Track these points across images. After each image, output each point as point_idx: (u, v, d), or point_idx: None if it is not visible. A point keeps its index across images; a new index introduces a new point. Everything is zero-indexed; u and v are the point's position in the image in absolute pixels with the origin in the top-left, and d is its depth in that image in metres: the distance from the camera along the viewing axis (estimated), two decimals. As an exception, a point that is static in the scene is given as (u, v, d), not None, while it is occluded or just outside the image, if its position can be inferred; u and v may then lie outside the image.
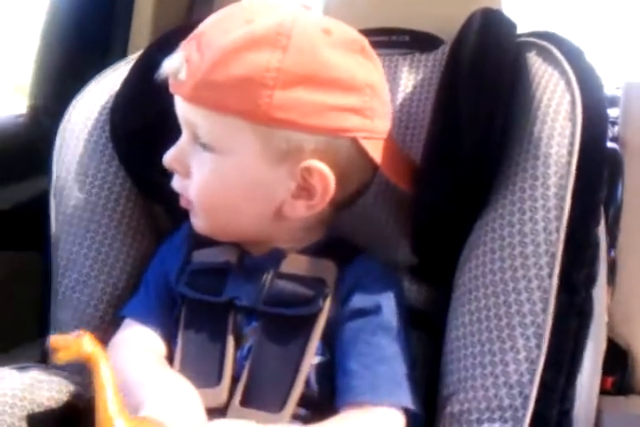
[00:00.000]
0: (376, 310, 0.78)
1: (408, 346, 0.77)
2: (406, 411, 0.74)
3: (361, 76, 0.77)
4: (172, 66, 0.77)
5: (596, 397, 0.81)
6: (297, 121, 0.73)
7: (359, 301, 0.78)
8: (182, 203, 0.82)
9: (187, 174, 0.79)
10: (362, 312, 0.78)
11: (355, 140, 0.77)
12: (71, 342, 0.66)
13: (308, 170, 0.76)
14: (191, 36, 0.78)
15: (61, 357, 0.66)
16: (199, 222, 0.82)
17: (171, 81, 0.78)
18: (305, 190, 0.77)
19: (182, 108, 0.78)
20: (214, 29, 0.76)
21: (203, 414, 0.71)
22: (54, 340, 0.67)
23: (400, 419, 0.73)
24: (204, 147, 0.76)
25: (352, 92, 0.76)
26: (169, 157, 0.79)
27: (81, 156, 0.94)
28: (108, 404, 0.64)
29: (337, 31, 0.77)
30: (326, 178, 0.76)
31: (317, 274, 0.79)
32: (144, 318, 0.85)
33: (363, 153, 0.78)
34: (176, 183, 0.81)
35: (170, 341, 0.84)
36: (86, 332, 0.68)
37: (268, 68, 0.72)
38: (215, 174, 0.76)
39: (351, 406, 0.74)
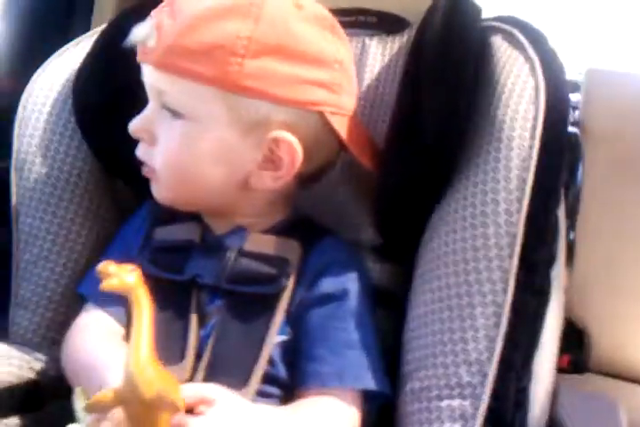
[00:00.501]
0: (343, 295, 0.79)
1: (374, 329, 0.79)
2: (370, 391, 0.75)
3: (330, 51, 0.78)
4: (141, 33, 0.77)
5: (552, 375, 0.83)
6: (266, 91, 0.74)
7: (326, 286, 0.79)
8: (145, 171, 0.82)
9: (152, 142, 0.78)
10: (329, 297, 0.78)
11: (322, 115, 0.78)
12: (121, 272, 0.67)
13: (276, 141, 0.76)
14: (163, 3, 0.77)
15: (107, 285, 0.66)
16: (161, 191, 0.82)
17: (139, 49, 0.78)
18: (271, 162, 0.78)
19: (151, 75, 0.77)
20: None
21: None
22: (105, 266, 0.68)
23: (359, 401, 0.75)
24: (173, 113, 0.76)
25: (321, 67, 0.77)
26: (135, 125, 0.79)
27: (43, 130, 0.93)
28: (142, 346, 0.64)
29: (308, 7, 0.78)
30: (294, 149, 0.77)
31: (281, 253, 0.80)
32: (102, 299, 0.84)
33: (329, 128, 0.79)
34: (141, 151, 0.81)
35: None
36: (138, 268, 0.69)
37: (239, 37, 0.73)
38: (182, 140, 0.76)
39: (317, 390, 0.75)
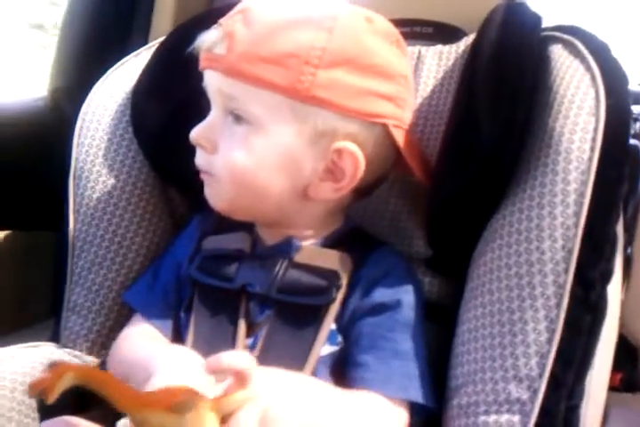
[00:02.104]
0: (396, 305, 0.78)
1: (424, 342, 0.78)
2: (415, 404, 0.75)
3: (397, 66, 0.79)
4: (209, 40, 0.77)
5: (604, 393, 0.81)
6: (336, 102, 0.75)
7: (380, 295, 0.79)
8: (202, 175, 0.82)
9: (213, 150, 0.78)
10: (382, 307, 0.78)
11: (385, 127, 0.78)
12: (52, 381, 0.62)
13: (339, 152, 0.77)
14: (235, 11, 0.78)
15: (51, 398, 0.62)
16: (218, 197, 0.82)
17: (205, 55, 0.78)
18: (332, 173, 0.78)
19: (218, 82, 0.77)
20: (262, 7, 0.77)
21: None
22: (34, 387, 0.63)
23: (405, 412, 0.74)
24: (238, 120, 0.76)
25: (389, 80, 0.77)
26: (197, 133, 0.79)
27: (100, 139, 0.95)
28: (128, 403, 0.62)
29: (377, 21, 0.79)
30: (357, 161, 0.77)
31: (332, 266, 0.80)
32: (149, 311, 0.86)
33: (390, 140, 0.79)
34: (201, 159, 0.81)
35: (175, 329, 0.85)
36: (56, 364, 0.64)
37: (314, 47, 0.73)
38: (246, 148, 0.76)
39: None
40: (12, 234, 1.22)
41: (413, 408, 0.76)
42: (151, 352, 0.76)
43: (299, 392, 0.68)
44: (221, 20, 0.78)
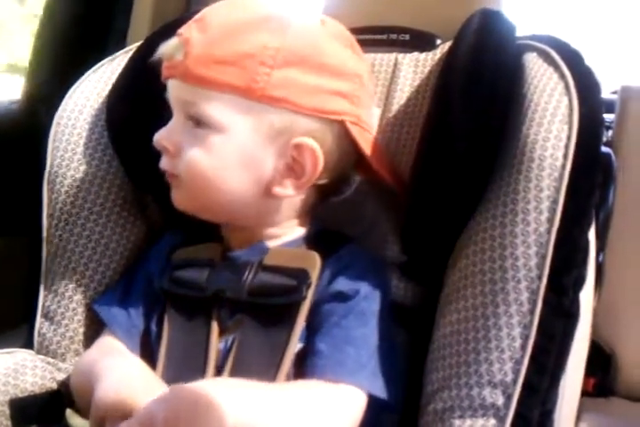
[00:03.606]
0: (353, 294, 0.79)
1: (383, 334, 0.78)
2: (373, 397, 0.75)
3: (351, 65, 0.81)
4: (168, 48, 0.79)
5: (577, 398, 0.81)
6: (291, 100, 0.76)
7: (340, 284, 0.80)
8: (168, 177, 0.83)
9: (177, 153, 0.79)
10: (339, 296, 0.79)
11: (342, 125, 0.80)
12: None
13: (299, 147, 0.78)
14: (191, 20, 0.79)
15: None
16: (183, 198, 0.83)
17: (165, 65, 0.80)
18: (292, 169, 0.79)
19: (176, 89, 0.79)
20: (216, 13, 0.79)
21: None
22: None
23: (359, 400, 0.74)
24: (198, 124, 0.78)
25: (343, 78, 0.79)
26: (159, 137, 0.80)
27: (76, 143, 0.94)
28: None
29: (331, 24, 0.82)
30: (316, 155, 0.78)
31: (300, 265, 0.80)
32: (115, 324, 0.86)
33: (349, 139, 0.81)
34: (164, 163, 0.82)
35: (146, 342, 0.85)
36: None
37: (268, 47, 0.75)
38: (207, 150, 0.77)
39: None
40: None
41: (376, 400, 0.75)
42: (97, 366, 0.78)
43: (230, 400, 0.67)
44: (180, 30, 0.79)
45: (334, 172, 0.83)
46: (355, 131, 0.81)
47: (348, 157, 0.84)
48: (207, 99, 0.76)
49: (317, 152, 0.78)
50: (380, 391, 0.75)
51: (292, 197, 0.81)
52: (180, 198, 0.83)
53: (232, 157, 0.78)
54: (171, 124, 0.81)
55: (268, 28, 0.76)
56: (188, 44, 0.76)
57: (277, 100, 0.76)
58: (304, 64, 0.76)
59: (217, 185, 0.79)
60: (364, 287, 0.80)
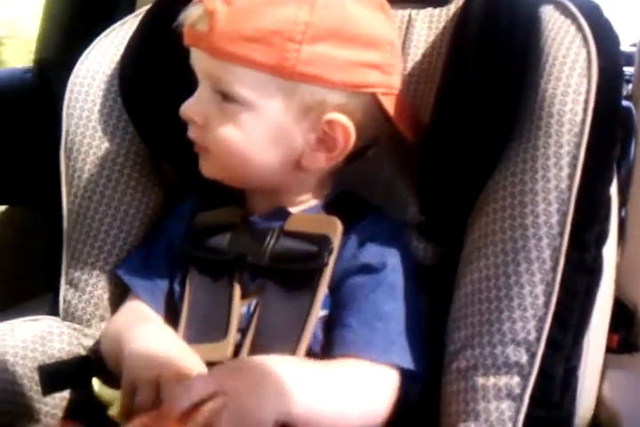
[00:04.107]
0: (381, 267, 0.79)
1: (411, 305, 0.78)
2: (404, 369, 0.75)
3: (382, 33, 0.78)
4: (192, 16, 0.76)
5: (602, 355, 0.81)
6: (322, 76, 0.74)
7: (366, 256, 0.79)
8: (196, 148, 0.82)
9: (205, 125, 0.78)
10: (367, 268, 0.79)
11: (374, 95, 0.78)
12: None
13: (330, 123, 0.77)
14: None
15: None
16: (213, 169, 0.82)
17: (188, 32, 0.77)
18: (324, 143, 0.78)
19: (203, 61, 0.77)
20: None
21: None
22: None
23: (392, 377, 0.74)
24: (226, 98, 0.76)
25: (375, 49, 0.77)
26: (187, 109, 0.79)
27: (90, 110, 0.94)
28: None
29: None
30: (348, 130, 0.77)
31: (322, 231, 0.80)
32: (139, 287, 0.87)
33: (378, 107, 0.79)
34: (193, 133, 0.81)
35: (170, 302, 0.86)
36: None
37: (297, 22, 0.72)
38: (236, 125, 0.76)
39: (346, 358, 0.75)
40: (7, 210, 1.22)
41: (405, 374, 0.76)
42: (127, 332, 0.79)
43: (275, 379, 0.67)
44: None
45: (364, 140, 0.82)
46: (385, 101, 0.79)
47: (378, 124, 0.82)
48: (235, 75, 0.75)
49: (349, 127, 0.77)
50: (411, 364, 0.75)
51: (323, 169, 0.81)
52: (208, 168, 0.82)
53: (262, 133, 0.77)
54: (197, 94, 0.79)
55: (296, 0, 0.73)
56: (213, 17, 0.73)
57: (308, 76, 0.74)
58: (334, 37, 0.74)
59: (247, 159, 0.78)
60: (391, 259, 0.80)
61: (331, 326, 0.78)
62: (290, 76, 0.74)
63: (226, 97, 0.76)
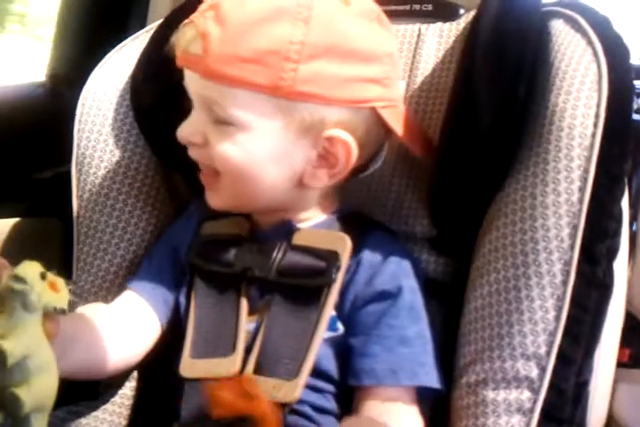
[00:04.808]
0: (398, 291, 0.78)
1: (429, 323, 0.78)
2: (423, 389, 0.75)
3: (380, 45, 0.77)
4: (184, 38, 0.75)
5: (612, 369, 0.81)
6: (321, 94, 0.73)
7: (382, 283, 0.78)
8: (204, 176, 0.81)
9: (205, 144, 0.77)
10: (384, 295, 0.78)
11: (374, 109, 0.77)
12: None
13: (331, 140, 0.76)
14: (204, 7, 0.75)
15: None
16: (221, 197, 0.81)
17: (182, 55, 0.76)
18: (325, 160, 0.77)
19: (196, 84, 0.76)
20: (232, 1, 0.73)
21: None
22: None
23: (419, 398, 0.75)
24: (222, 122, 0.75)
25: (373, 62, 0.76)
26: (183, 131, 0.78)
27: (101, 124, 0.94)
28: None
29: (354, 1, 0.76)
30: (349, 146, 0.76)
31: (330, 247, 0.79)
32: (142, 292, 0.86)
33: (379, 120, 0.79)
34: (195, 154, 0.80)
35: (173, 312, 0.86)
36: None
37: (292, 41, 0.71)
38: (235, 144, 0.75)
39: (372, 388, 0.75)
40: (19, 221, 1.22)
41: (421, 394, 0.76)
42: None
43: None
44: (192, 16, 0.75)
45: (367, 154, 0.82)
46: (386, 114, 0.78)
47: (381, 138, 0.82)
48: (231, 98, 0.73)
49: (350, 143, 0.76)
50: (437, 383, 0.75)
51: (326, 186, 0.80)
52: (217, 197, 0.81)
53: (261, 153, 0.76)
54: (192, 117, 0.78)
55: (290, 17, 0.71)
56: (207, 39, 0.72)
57: (306, 95, 0.73)
58: (332, 54, 0.73)
59: (248, 178, 0.77)
60: (406, 280, 0.79)
61: (352, 356, 0.77)
62: (288, 95, 0.72)
63: (222, 121, 0.75)
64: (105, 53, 0.99)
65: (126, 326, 0.84)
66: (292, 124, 0.74)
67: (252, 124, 0.74)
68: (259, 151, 0.76)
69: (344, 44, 0.73)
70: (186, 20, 0.76)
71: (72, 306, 0.71)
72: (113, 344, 0.80)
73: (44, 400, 0.59)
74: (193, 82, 0.76)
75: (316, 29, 0.72)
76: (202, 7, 0.75)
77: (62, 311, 0.60)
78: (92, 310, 0.84)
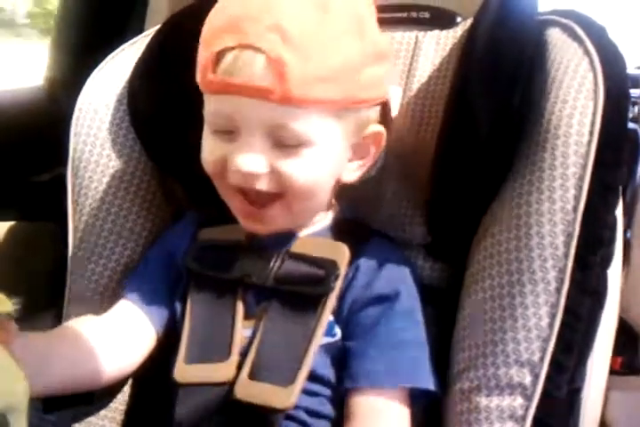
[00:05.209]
0: (395, 295, 0.79)
1: (425, 328, 0.79)
2: (416, 391, 0.76)
3: (387, 41, 0.80)
4: (249, 68, 0.69)
5: (605, 376, 0.81)
6: (372, 97, 0.75)
7: (379, 287, 0.79)
8: (252, 204, 0.77)
9: (271, 171, 0.74)
10: (381, 299, 0.78)
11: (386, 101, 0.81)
12: None
13: (369, 134, 0.78)
14: (261, 28, 0.69)
15: None
16: (279, 217, 0.78)
17: (243, 84, 0.70)
18: (357, 152, 0.79)
19: (260, 112, 0.71)
20: (294, 19, 0.69)
21: None
22: None
23: (411, 398, 0.76)
24: (288, 145, 0.73)
25: (387, 58, 0.78)
26: (247, 166, 0.72)
27: (98, 129, 0.94)
28: None
29: (371, 1, 0.77)
30: (381, 136, 0.79)
31: (329, 255, 0.79)
32: (136, 301, 0.86)
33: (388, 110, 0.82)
34: (262, 185, 0.74)
35: (168, 316, 0.86)
36: None
37: (357, 54, 0.71)
38: (305, 165, 0.74)
39: (368, 389, 0.75)
40: (14, 225, 1.22)
41: (416, 394, 0.76)
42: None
43: None
44: (247, 40, 0.69)
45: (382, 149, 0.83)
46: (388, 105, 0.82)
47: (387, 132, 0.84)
48: (303, 119, 0.71)
49: (382, 133, 0.79)
50: (433, 385, 0.76)
51: (354, 180, 0.82)
52: (275, 221, 0.79)
53: (327, 163, 0.76)
54: (248, 146, 0.72)
55: (349, 30, 0.70)
56: (283, 66, 0.67)
57: (364, 101, 0.74)
58: (376, 58, 0.74)
59: (317, 190, 0.77)
60: (403, 285, 0.80)
61: (348, 359, 0.78)
62: (352, 105, 0.73)
63: (288, 142, 0.72)
64: (102, 58, 0.99)
65: (121, 336, 0.84)
66: (346, 129, 0.75)
67: (316, 139, 0.73)
68: (325, 163, 0.76)
69: (379, 47, 0.75)
70: (228, 44, 0.70)
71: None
72: (107, 356, 0.80)
73: (11, 399, 0.59)
74: (253, 109, 0.71)
75: (368, 39, 0.72)
76: (248, 28, 0.69)
77: (9, 315, 0.61)
78: (84, 323, 0.83)
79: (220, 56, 0.70)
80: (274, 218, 0.78)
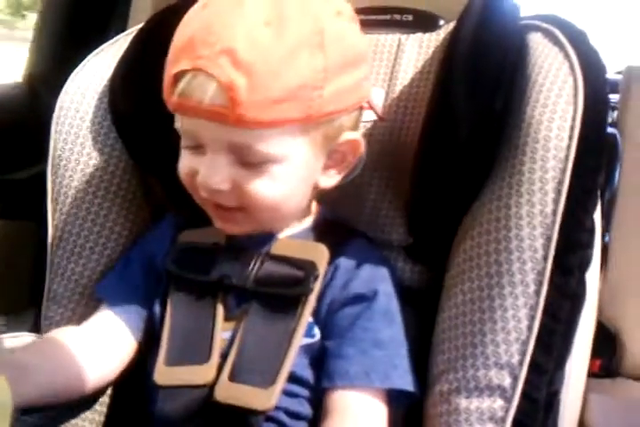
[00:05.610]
0: (373, 295, 0.79)
1: (403, 328, 0.79)
2: (396, 392, 0.76)
3: (366, 44, 0.79)
4: (200, 92, 0.69)
5: (584, 379, 0.82)
6: (342, 107, 0.74)
7: (357, 287, 0.79)
8: (221, 210, 0.78)
9: (234, 188, 0.74)
10: (359, 298, 0.79)
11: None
12: None
13: (343, 142, 0.78)
14: (206, 53, 0.69)
15: None
16: (244, 223, 0.79)
17: (197, 106, 0.70)
18: (332, 159, 0.79)
19: (219, 133, 0.71)
20: (244, 42, 0.68)
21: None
22: None
23: (388, 399, 0.76)
24: (254, 163, 0.73)
25: (366, 62, 0.77)
26: (210, 182, 0.73)
27: (78, 127, 0.94)
28: None
29: (344, 9, 0.75)
30: (357, 143, 0.79)
31: (308, 257, 0.79)
32: (114, 307, 0.86)
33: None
34: (222, 200, 0.76)
35: (147, 319, 0.86)
36: None
37: (316, 70, 0.70)
38: (270, 179, 0.74)
39: (344, 389, 0.75)
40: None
41: (395, 395, 0.77)
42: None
43: None
44: (199, 64, 0.69)
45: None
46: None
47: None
48: (264, 139, 0.71)
49: (359, 140, 0.79)
50: (411, 386, 0.76)
51: (331, 186, 0.81)
52: (239, 226, 0.80)
53: (296, 178, 0.76)
54: (214, 164, 0.73)
55: (307, 47, 0.69)
56: (234, 90, 0.67)
57: (330, 113, 0.73)
58: (346, 66, 0.73)
59: (284, 206, 0.77)
60: (381, 285, 0.80)
61: (325, 358, 0.78)
62: (317, 120, 0.72)
63: (253, 161, 0.73)
64: (84, 55, 0.99)
65: (100, 345, 0.83)
66: (315, 141, 0.75)
67: (282, 156, 0.73)
68: (293, 177, 0.75)
69: (351, 52, 0.74)
70: (184, 67, 0.70)
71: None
72: (87, 366, 0.80)
73: None
74: (213, 131, 0.72)
75: (331, 51, 0.71)
76: (201, 52, 0.69)
77: None
78: (63, 335, 0.83)
79: (177, 78, 0.71)
80: (245, 219, 0.78)
